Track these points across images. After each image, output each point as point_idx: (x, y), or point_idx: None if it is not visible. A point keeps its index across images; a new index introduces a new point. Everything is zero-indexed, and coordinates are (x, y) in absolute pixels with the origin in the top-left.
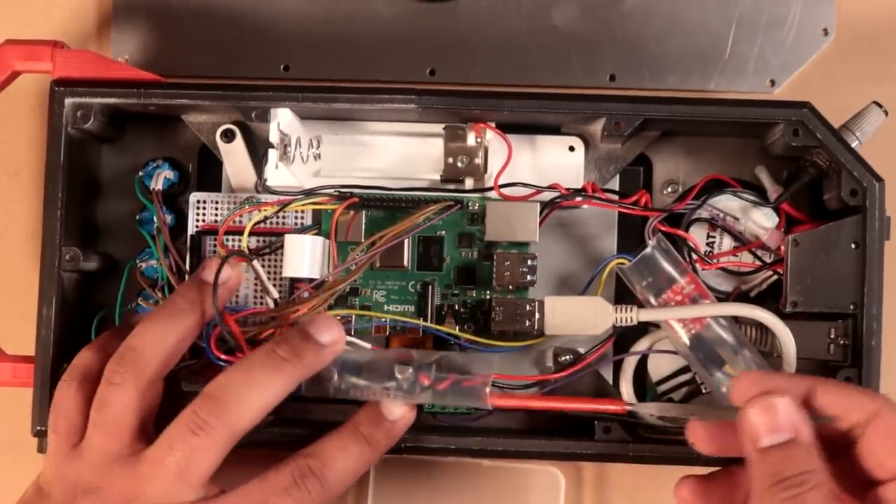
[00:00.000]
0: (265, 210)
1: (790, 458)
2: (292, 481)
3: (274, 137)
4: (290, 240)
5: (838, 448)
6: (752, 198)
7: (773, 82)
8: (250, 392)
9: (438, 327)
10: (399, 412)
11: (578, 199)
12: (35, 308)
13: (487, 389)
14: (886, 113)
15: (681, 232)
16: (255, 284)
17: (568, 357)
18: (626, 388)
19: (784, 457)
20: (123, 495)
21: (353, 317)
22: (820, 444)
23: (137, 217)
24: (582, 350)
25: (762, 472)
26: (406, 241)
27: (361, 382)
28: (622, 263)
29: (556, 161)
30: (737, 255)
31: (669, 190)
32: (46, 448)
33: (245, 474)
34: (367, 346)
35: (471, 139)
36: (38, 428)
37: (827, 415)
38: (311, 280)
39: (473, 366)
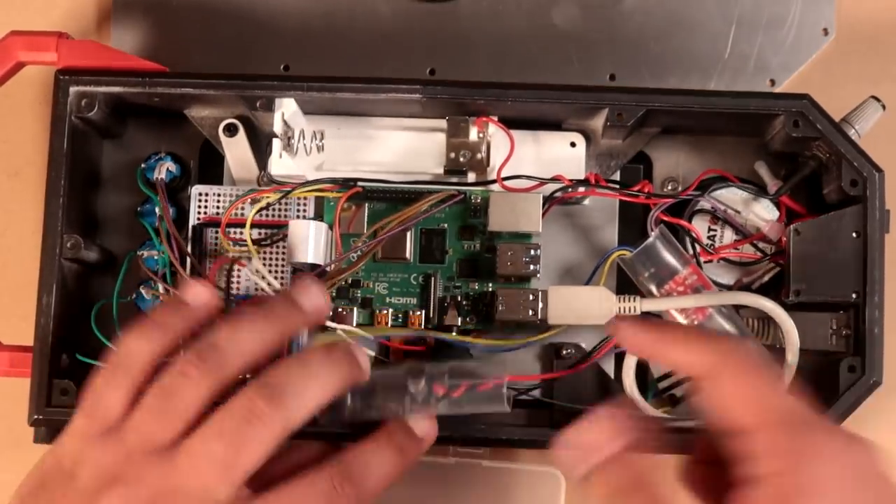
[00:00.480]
0: (268, 196)
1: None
2: (331, 486)
3: (278, 127)
4: (295, 225)
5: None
6: (752, 190)
7: (772, 82)
8: (309, 386)
9: (444, 335)
10: (425, 428)
11: (581, 189)
12: (35, 307)
13: (505, 390)
14: (884, 107)
15: (683, 222)
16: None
17: (570, 350)
18: (629, 382)
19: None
20: (155, 488)
21: (355, 310)
22: None
23: (138, 209)
24: (583, 344)
25: None
26: (408, 234)
27: (376, 401)
28: (624, 255)
29: (558, 156)
30: (738, 248)
31: (669, 187)
32: (67, 427)
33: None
34: (370, 336)
35: (473, 134)
36: (36, 417)
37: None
38: (314, 266)
39: (485, 368)
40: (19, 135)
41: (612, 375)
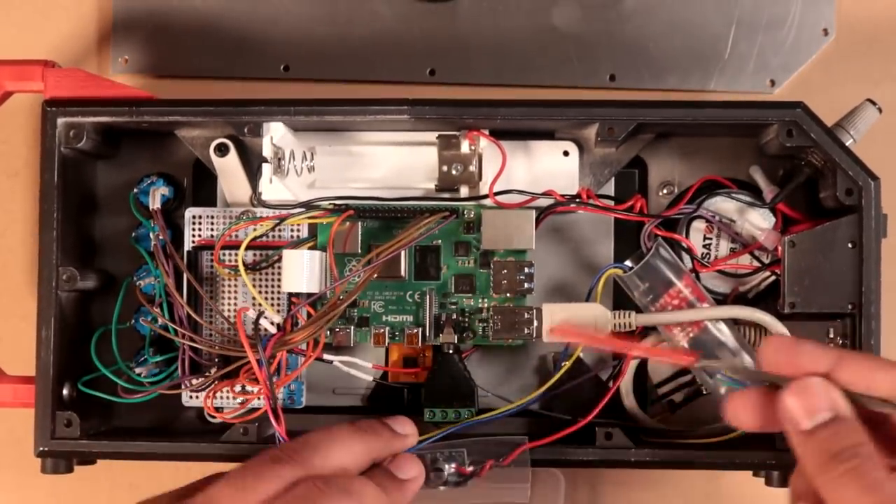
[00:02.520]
0: (262, 226)
1: (837, 434)
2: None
3: (267, 152)
4: (289, 255)
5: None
6: (747, 199)
7: (773, 82)
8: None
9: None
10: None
11: (573, 205)
12: (35, 307)
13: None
14: (880, 110)
15: (677, 236)
16: (254, 302)
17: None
18: (626, 391)
19: (831, 434)
20: None
21: (352, 329)
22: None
23: (133, 234)
24: (581, 355)
25: (811, 452)
26: (403, 252)
27: None
28: (619, 273)
29: (551, 166)
30: (734, 260)
31: (665, 192)
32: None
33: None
34: (368, 365)
35: (465, 147)
36: (41, 449)
37: (861, 393)
38: (310, 295)
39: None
40: (18, 136)
41: (608, 384)
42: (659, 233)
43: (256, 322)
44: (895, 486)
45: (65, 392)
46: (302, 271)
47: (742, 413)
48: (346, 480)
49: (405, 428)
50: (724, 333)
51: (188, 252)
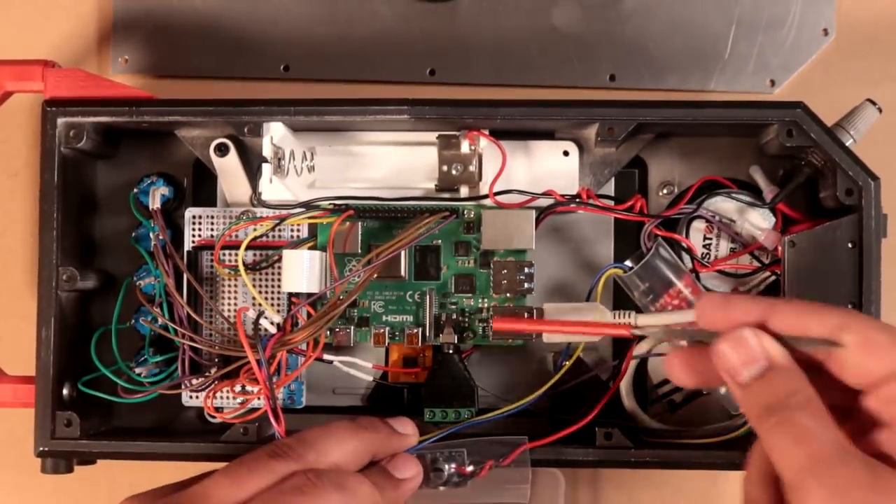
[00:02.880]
0: (261, 226)
1: (770, 384)
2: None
3: (267, 152)
4: (289, 255)
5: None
6: (747, 199)
7: (773, 82)
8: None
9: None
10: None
11: (573, 205)
12: (35, 307)
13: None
14: (880, 110)
15: (677, 236)
16: (254, 302)
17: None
18: (626, 391)
19: (765, 384)
20: None
21: (352, 329)
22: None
23: (133, 234)
24: (581, 355)
25: (749, 405)
26: (403, 252)
27: None
28: (619, 273)
29: (551, 166)
30: (734, 260)
31: (665, 191)
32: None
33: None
34: (369, 365)
35: (465, 147)
36: (41, 449)
37: (795, 336)
38: (310, 295)
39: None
40: (18, 136)
41: (608, 384)
42: (659, 233)
43: (256, 322)
44: (827, 435)
45: (65, 392)
46: (302, 271)
47: (679, 371)
48: (339, 475)
49: (405, 427)
50: None
51: (188, 252)
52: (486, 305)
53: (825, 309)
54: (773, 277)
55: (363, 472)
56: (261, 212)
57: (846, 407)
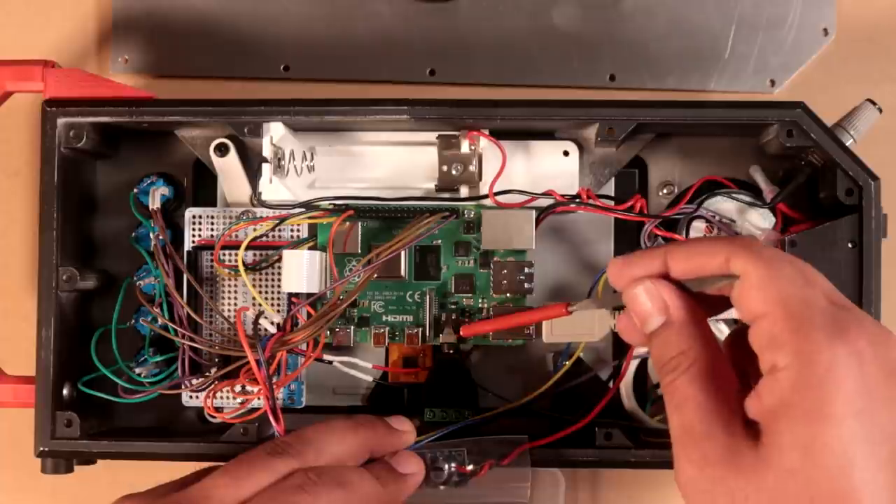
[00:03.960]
0: (261, 226)
1: (665, 341)
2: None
3: (267, 152)
4: (289, 255)
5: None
6: (747, 199)
7: (773, 82)
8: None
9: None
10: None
11: (573, 205)
12: (35, 307)
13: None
14: (880, 110)
15: (677, 236)
16: (254, 302)
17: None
18: (626, 391)
19: (662, 340)
20: None
21: (352, 329)
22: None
23: (133, 234)
24: (581, 355)
25: (653, 358)
26: (403, 252)
27: None
28: None
29: (551, 166)
30: None
31: (665, 191)
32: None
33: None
34: (368, 365)
35: (465, 147)
36: (41, 449)
37: (695, 278)
38: (310, 295)
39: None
40: (19, 135)
41: (608, 384)
42: (659, 233)
43: (256, 321)
44: (700, 404)
45: (65, 392)
46: (302, 271)
47: (627, 332)
48: (339, 472)
49: (403, 425)
50: (724, 333)
51: (188, 252)
52: (486, 305)
53: (713, 242)
54: None
55: (364, 467)
56: (261, 212)
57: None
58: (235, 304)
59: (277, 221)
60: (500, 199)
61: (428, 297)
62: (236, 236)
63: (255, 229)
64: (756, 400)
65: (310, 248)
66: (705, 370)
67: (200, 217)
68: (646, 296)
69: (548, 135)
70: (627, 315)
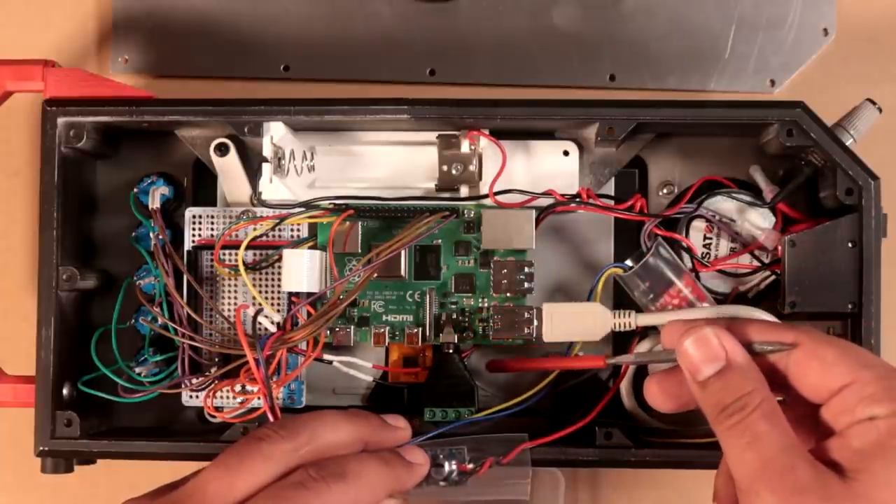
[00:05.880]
0: (262, 226)
1: (728, 384)
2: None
3: (267, 151)
4: (289, 255)
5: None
6: (747, 199)
7: (773, 82)
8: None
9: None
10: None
11: (573, 205)
12: (35, 307)
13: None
14: (880, 110)
15: (678, 236)
16: (254, 301)
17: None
18: (626, 391)
19: (722, 384)
20: None
21: (352, 329)
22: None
23: (133, 234)
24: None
25: (707, 406)
26: (403, 251)
27: None
28: (618, 272)
29: (551, 166)
30: (734, 259)
31: (665, 191)
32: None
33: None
34: (368, 364)
35: (465, 147)
36: (41, 449)
37: (759, 342)
38: (310, 294)
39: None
40: (19, 135)
41: (608, 384)
42: (659, 232)
43: (255, 319)
44: (778, 439)
45: (65, 392)
46: (302, 271)
47: (656, 395)
48: (340, 462)
49: (397, 421)
50: None
51: (188, 252)
52: (486, 305)
53: (782, 327)
54: (773, 277)
55: (370, 452)
56: (261, 211)
57: (813, 416)
58: (235, 304)
59: (277, 221)
60: (501, 198)
61: (428, 296)
62: (236, 236)
63: (255, 229)
64: (843, 441)
65: (310, 248)
66: (775, 408)
67: (200, 217)
68: (714, 339)
69: (548, 135)
70: (658, 378)
